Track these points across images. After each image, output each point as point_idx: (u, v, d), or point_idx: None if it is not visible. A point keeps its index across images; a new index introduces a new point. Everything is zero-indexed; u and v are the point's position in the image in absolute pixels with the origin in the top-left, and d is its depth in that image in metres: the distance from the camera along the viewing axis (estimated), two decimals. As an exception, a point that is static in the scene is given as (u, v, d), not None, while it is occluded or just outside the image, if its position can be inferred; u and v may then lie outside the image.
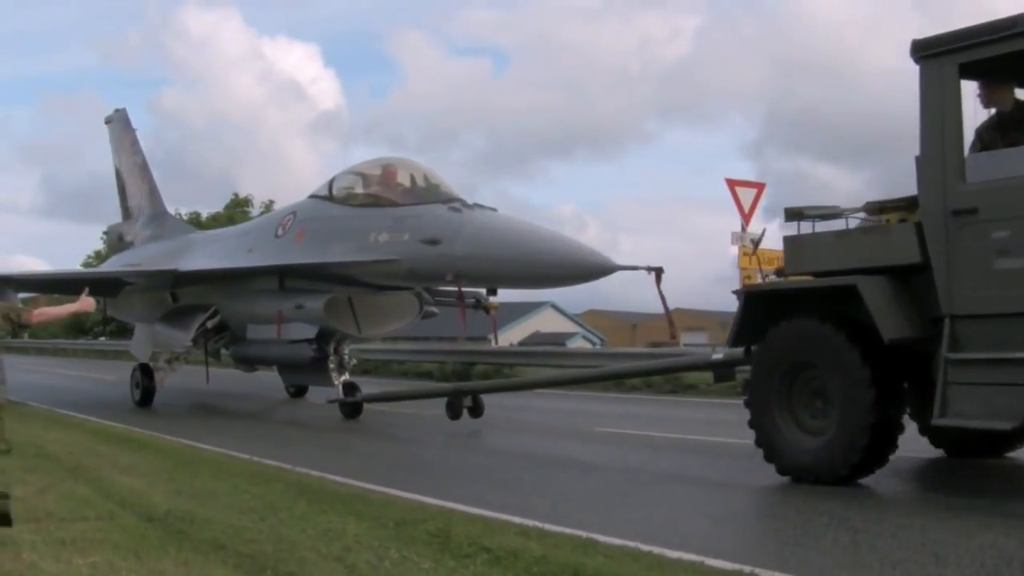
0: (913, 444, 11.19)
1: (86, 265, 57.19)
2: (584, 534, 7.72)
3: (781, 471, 10.50)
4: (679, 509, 9.50)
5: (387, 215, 17.03)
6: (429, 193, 17.10)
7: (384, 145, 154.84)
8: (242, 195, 70.58)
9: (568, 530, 7.90)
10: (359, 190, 18.38)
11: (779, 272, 11.55)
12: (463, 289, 16.46)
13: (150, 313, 23.06)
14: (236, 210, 66.63)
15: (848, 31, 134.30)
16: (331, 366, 18.90)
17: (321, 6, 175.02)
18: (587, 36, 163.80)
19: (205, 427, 18.19)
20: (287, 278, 18.88)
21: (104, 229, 33.12)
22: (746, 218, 25.00)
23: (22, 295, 23.36)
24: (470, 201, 16.61)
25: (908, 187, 10.32)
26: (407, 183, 17.63)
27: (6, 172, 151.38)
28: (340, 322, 18.43)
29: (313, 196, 19.45)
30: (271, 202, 65.82)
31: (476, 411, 16.83)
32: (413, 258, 16.24)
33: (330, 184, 18.94)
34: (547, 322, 76.49)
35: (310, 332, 18.97)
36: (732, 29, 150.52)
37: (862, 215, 10.96)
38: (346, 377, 19.04)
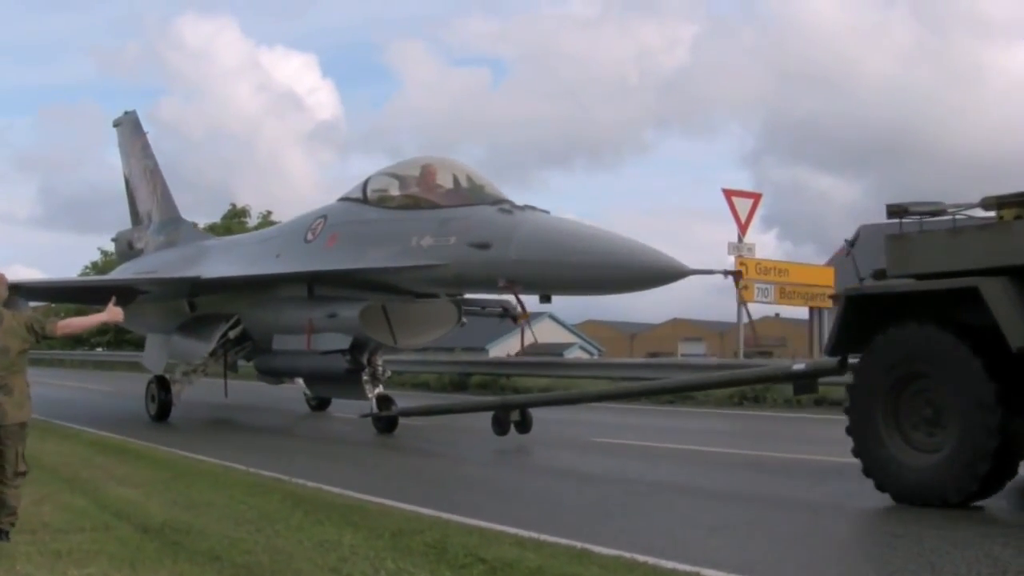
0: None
1: (84, 276, 56.86)
2: (580, 544, 7.73)
3: (881, 488, 9.77)
4: (675, 519, 9.48)
5: (430, 217, 16.03)
6: (475, 194, 16.17)
7: (382, 155, 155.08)
8: (240, 205, 70.51)
9: (564, 540, 7.90)
10: (396, 192, 17.44)
11: (877, 274, 10.47)
12: (519, 296, 15.54)
13: (165, 323, 22.13)
14: (234, 220, 66.55)
15: (846, 40, 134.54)
16: (364, 378, 17.69)
17: (319, 16, 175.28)
18: (585, 46, 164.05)
19: (220, 441, 17.97)
20: (316, 285, 18.10)
21: (112, 236, 31.62)
22: (743, 228, 25.10)
23: (31, 304, 22.43)
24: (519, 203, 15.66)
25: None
26: (449, 183, 16.66)
27: (4, 182, 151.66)
28: (375, 332, 17.40)
29: (344, 199, 18.47)
30: (269, 213, 65.98)
31: (524, 426, 15.93)
32: (461, 263, 15.27)
33: (364, 186, 17.93)
34: (544, 332, 76.67)
35: (343, 342, 17.51)
36: (730, 38, 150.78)
37: (974, 211, 10.05)
38: (380, 390, 17.94)
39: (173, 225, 27.49)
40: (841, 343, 10.41)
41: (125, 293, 20.75)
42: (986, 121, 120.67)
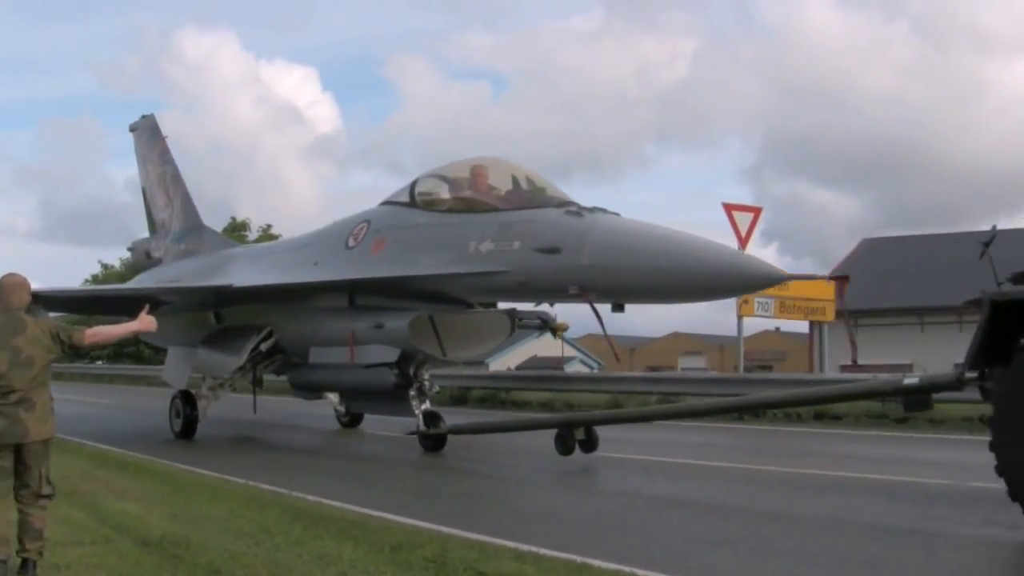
0: (913, 469, 11.18)
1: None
2: (579, 559, 7.73)
3: None
4: (675, 534, 9.47)
5: (489, 221, 15.06)
6: (537, 196, 15.23)
7: (382, 169, 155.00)
8: (240, 219, 70.54)
9: (564, 555, 7.90)
10: (448, 194, 16.31)
11: (1017, 278, 9.42)
12: (593, 304, 14.23)
13: (189, 335, 21.10)
14: (234, 234, 66.55)
15: (847, 55, 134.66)
16: (411, 393, 16.59)
17: (318, 30, 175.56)
18: (585, 60, 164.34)
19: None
20: (358, 295, 17.25)
21: (128, 246, 30.50)
22: (743, 242, 25.11)
23: (51, 315, 21.02)
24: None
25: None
26: (507, 184, 15.69)
27: (3, 195, 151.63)
28: (424, 344, 16.48)
29: (389, 202, 17.44)
30: (269, 226, 66.21)
31: (590, 445, 14.93)
32: (526, 269, 14.31)
33: (412, 188, 16.86)
34: (544, 346, 76.57)
35: (390, 355, 16.47)
36: (730, 53, 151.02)
37: None
38: (427, 406, 16.74)
39: (195, 233, 26.45)
40: (983, 354, 9.34)
41: (143, 304, 19.80)
42: (986, 136, 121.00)
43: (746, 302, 25.94)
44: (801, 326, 40.52)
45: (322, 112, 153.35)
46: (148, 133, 28.44)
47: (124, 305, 20.47)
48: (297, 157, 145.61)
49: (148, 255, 27.51)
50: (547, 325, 17.98)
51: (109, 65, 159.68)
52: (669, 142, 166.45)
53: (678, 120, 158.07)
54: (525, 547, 8.20)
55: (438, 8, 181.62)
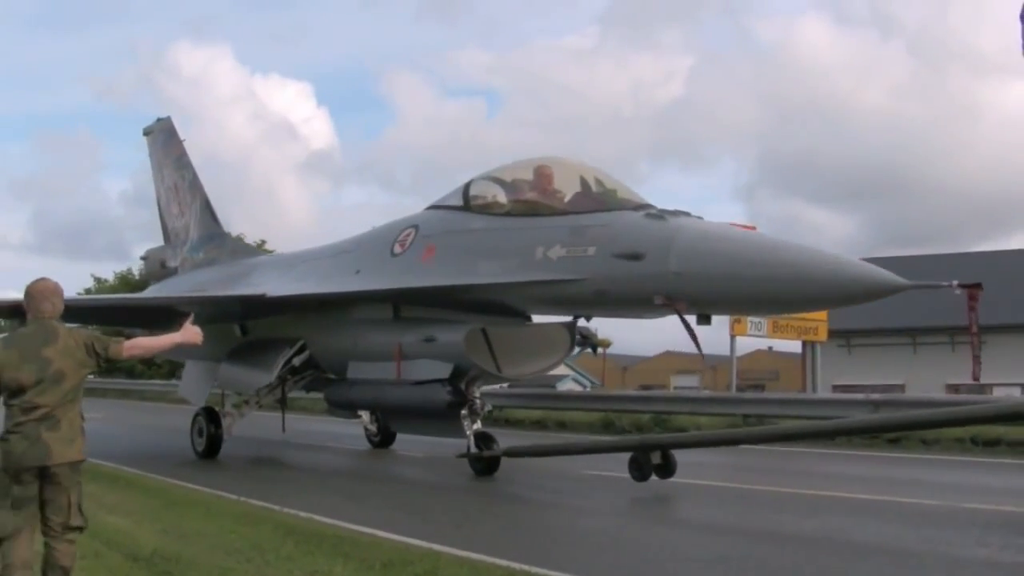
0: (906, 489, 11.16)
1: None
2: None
3: None
4: (668, 553, 9.45)
5: (558, 225, 13.89)
6: (609, 198, 14.02)
7: (376, 186, 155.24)
8: (234, 234, 70.39)
9: (555, 573, 7.89)
10: (509, 197, 15.08)
11: None
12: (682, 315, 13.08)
13: (210, 348, 18.90)
14: (227, 249, 66.55)
15: (842, 75, 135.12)
16: (463, 413, 15.30)
17: (314, 45, 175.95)
18: (580, 78, 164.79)
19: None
20: (404, 305, 16.20)
21: (141, 255, 28.67)
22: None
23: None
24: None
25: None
26: (575, 186, 14.47)
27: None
28: (478, 359, 15.31)
29: (437, 206, 16.25)
30: (263, 242, 65.92)
31: (667, 470, 14.06)
32: (604, 277, 13.11)
33: (465, 190, 15.60)
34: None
35: (442, 371, 15.24)
36: (726, 71, 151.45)
37: None
38: (479, 426, 15.56)
39: (216, 241, 25.07)
40: None
41: (165, 315, 18.83)
42: (980, 157, 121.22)
43: (739, 321, 25.98)
44: (794, 346, 40.57)
45: (317, 127, 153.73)
46: (164, 137, 27.06)
47: (148, 315, 20.10)
48: (292, 172, 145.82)
49: (163, 265, 26.22)
50: (588, 341, 16.79)
51: (105, 78, 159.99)
52: (664, 160, 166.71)
53: (673, 138, 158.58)
54: (517, 565, 8.16)
55: (433, 25, 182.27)
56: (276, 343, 18.37)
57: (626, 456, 14.26)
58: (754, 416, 22.20)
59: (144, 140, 28.05)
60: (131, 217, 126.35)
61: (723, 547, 9.64)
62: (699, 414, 23.57)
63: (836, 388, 40.45)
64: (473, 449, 15.39)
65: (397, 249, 16.27)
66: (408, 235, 16.20)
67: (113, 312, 22.39)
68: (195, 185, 25.85)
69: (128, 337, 7.57)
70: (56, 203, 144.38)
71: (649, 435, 17.62)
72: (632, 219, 13.18)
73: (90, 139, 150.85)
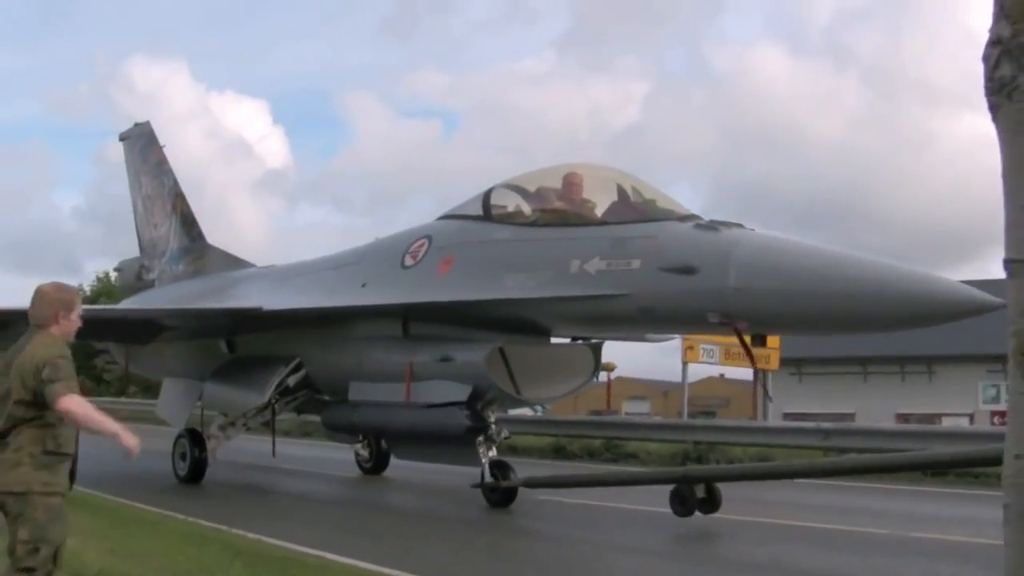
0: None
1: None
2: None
3: None
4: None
5: (597, 236, 12.70)
6: (651, 207, 12.88)
7: (331, 206, 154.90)
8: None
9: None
10: (533, 205, 13.98)
11: None
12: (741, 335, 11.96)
13: (193, 366, 18.69)
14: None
15: (797, 104, 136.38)
16: (479, 439, 14.07)
17: (271, 63, 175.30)
18: (537, 101, 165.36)
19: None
20: (413, 322, 14.95)
21: (115, 266, 27.16)
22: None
23: None
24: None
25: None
26: (612, 195, 13.29)
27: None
28: (498, 381, 14.17)
29: (452, 216, 15.08)
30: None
31: (711, 504, 12.90)
32: (651, 293, 11.95)
33: (485, 199, 14.43)
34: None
35: (460, 393, 14.07)
36: (681, 98, 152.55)
37: None
38: (494, 454, 14.27)
39: (197, 252, 23.56)
40: None
41: (146, 329, 17.76)
42: (933, 186, 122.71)
43: (691, 348, 26.15)
44: (745, 373, 40.83)
45: (272, 146, 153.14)
46: (143, 142, 25.45)
47: (127, 329, 18.55)
48: (245, 191, 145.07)
49: (139, 277, 24.55)
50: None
51: (58, 92, 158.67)
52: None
53: (628, 163, 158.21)
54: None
55: (391, 46, 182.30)
56: (269, 361, 17.04)
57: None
58: (705, 443, 22.27)
59: (120, 146, 26.53)
60: (84, 232, 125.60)
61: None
62: (650, 440, 23.61)
63: (787, 416, 40.73)
64: (488, 479, 14.12)
65: (408, 261, 15.03)
66: (421, 246, 14.95)
67: (95, 326, 20.18)
68: (175, 192, 24.43)
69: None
70: (6, 217, 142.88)
71: (694, 467, 16.42)
72: (680, 230, 12.04)
73: (43, 152, 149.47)
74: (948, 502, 15.80)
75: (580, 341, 15.15)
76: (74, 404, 5.80)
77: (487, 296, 13.49)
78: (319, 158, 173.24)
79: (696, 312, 11.69)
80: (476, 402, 14.10)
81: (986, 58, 3.33)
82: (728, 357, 27.82)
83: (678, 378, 27.64)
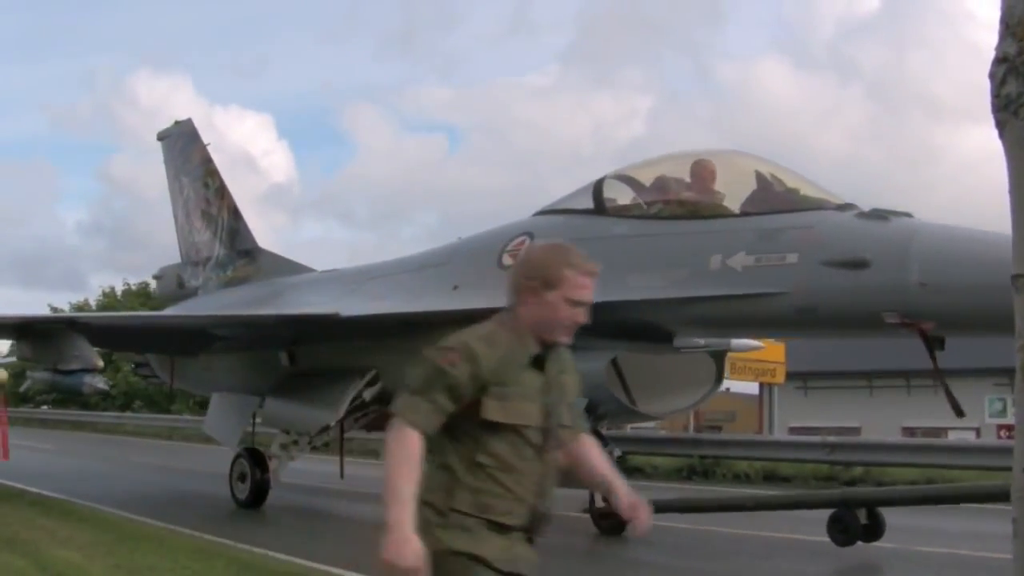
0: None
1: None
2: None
3: None
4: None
5: (739, 228, 11.21)
6: (798, 197, 11.32)
7: (335, 220, 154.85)
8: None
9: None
10: (654, 197, 12.51)
11: None
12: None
13: (250, 380, 17.13)
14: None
15: (801, 118, 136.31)
16: None
17: (275, 78, 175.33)
18: (541, 115, 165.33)
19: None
20: None
21: (154, 273, 24.78)
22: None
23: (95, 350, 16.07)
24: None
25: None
26: (751, 184, 11.72)
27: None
28: (615, 392, 13.03)
29: (554, 211, 13.52)
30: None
31: (874, 532, 11.72)
32: (812, 290, 10.43)
33: (596, 190, 12.87)
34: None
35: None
36: (686, 111, 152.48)
37: None
38: None
39: (247, 257, 21.74)
40: None
41: (197, 338, 16.56)
42: (936, 200, 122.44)
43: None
44: (751, 387, 40.72)
45: (276, 160, 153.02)
46: (184, 141, 23.45)
47: (174, 339, 17.41)
48: (250, 205, 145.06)
49: (181, 284, 22.73)
50: None
51: (62, 107, 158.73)
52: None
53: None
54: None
55: (394, 61, 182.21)
56: (341, 374, 15.40)
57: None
58: (711, 457, 22.25)
59: (159, 145, 24.46)
60: (88, 246, 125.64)
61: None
62: (656, 454, 23.59)
63: (792, 430, 40.63)
64: (600, 503, 12.44)
65: (507, 260, 13.22)
66: (521, 243, 13.09)
67: (127, 334, 18.52)
68: (222, 193, 22.55)
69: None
70: (10, 232, 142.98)
71: (853, 489, 15.10)
72: (841, 219, 10.68)
73: (47, 168, 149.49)
74: (955, 516, 15.75)
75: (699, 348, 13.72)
76: None
77: (609, 298, 10.61)
78: (323, 172, 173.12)
79: (869, 311, 10.18)
80: (588, 417, 12.05)
81: (992, 75, 3.35)
82: (733, 371, 27.72)
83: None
